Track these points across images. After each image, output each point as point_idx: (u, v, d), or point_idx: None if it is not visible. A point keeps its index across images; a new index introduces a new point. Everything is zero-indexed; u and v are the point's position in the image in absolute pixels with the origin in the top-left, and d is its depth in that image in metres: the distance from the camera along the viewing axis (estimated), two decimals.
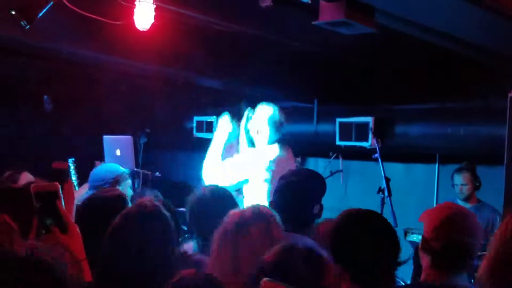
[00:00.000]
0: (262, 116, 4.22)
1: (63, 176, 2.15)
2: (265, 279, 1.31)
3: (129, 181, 4.14)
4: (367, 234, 2.05)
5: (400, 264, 2.07)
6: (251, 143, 4.43)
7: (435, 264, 2.13)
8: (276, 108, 4.28)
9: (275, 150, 4.15)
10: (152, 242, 2.06)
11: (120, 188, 3.88)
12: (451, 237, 2.10)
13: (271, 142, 4.19)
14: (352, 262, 2.00)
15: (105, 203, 2.63)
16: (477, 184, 5.22)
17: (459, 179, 5.23)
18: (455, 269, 2.12)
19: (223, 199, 3.01)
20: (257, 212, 2.12)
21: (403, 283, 4.20)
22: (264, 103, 4.36)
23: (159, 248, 2.06)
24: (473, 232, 2.13)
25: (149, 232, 2.07)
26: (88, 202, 2.72)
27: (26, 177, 3.85)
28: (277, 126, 4.21)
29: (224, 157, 4.29)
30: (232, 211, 2.17)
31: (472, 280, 2.26)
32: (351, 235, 2.05)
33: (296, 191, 2.59)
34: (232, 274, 1.99)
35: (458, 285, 2.09)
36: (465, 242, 2.10)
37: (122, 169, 4.13)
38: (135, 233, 2.07)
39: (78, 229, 1.89)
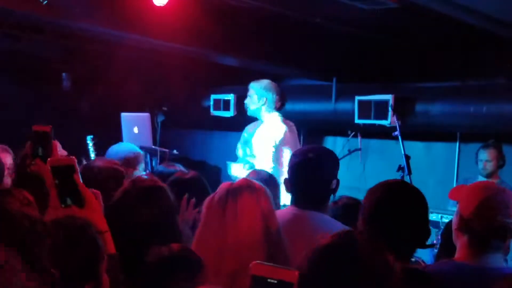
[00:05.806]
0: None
1: (45, 139, 2.09)
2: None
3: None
4: (409, 207, 2.16)
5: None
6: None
7: (472, 244, 2.09)
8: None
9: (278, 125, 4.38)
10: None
11: (139, 168, 3.89)
12: (495, 219, 2.05)
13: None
14: (394, 235, 2.06)
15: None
16: (502, 162, 5.18)
17: (484, 155, 5.18)
18: (493, 250, 2.09)
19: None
20: (248, 183, 2.11)
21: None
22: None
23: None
24: None
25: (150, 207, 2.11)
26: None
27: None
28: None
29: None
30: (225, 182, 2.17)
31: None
32: (394, 208, 2.14)
33: (315, 168, 2.54)
34: (220, 243, 1.98)
35: (495, 266, 2.06)
36: (507, 224, 2.06)
37: (138, 149, 4.10)
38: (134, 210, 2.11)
39: (97, 201, 1.88)
